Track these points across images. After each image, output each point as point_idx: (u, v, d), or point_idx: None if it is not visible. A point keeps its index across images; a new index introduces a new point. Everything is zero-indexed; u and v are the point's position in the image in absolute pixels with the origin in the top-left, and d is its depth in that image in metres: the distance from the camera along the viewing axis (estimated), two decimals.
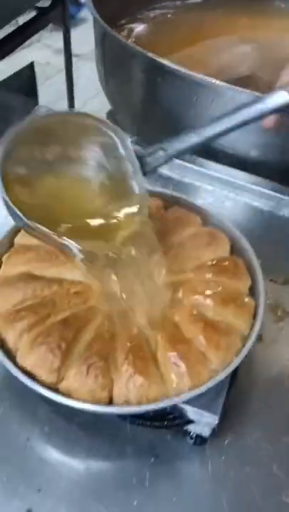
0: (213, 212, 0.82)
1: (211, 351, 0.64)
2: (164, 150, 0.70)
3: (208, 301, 0.68)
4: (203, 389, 0.62)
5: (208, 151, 1.08)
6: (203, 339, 0.65)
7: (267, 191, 1.03)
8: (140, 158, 0.68)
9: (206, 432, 0.67)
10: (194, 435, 0.69)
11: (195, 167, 1.07)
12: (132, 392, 0.62)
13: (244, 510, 0.66)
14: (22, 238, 0.78)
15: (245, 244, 0.77)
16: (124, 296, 0.67)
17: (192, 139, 0.70)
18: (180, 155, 0.72)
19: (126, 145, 0.67)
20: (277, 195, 1.03)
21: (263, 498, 0.67)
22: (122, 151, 0.67)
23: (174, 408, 0.64)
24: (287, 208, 1.02)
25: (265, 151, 1.06)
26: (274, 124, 0.83)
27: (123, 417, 0.68)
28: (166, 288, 0.72)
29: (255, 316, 0.69)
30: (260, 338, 0.80)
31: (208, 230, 0.79)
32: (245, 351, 0.65)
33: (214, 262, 0.74)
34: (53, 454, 0.70)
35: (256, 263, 0.75)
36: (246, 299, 0.70)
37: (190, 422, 0.66)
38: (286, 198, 1.02)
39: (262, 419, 0.74)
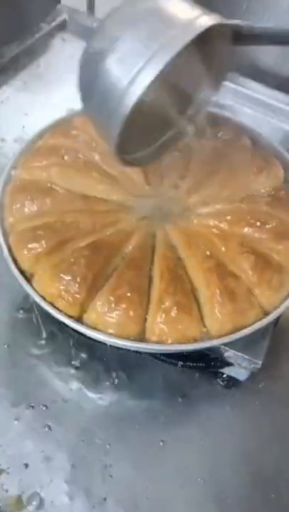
0: (264, 136, 0.69)
1: (260, 289, 0.55)
2: None
3: (260, 235, 0.58)
4: (248, 331, 0.53)
5: (249, 69, 0.94)
6: (253, 274, 0.55)
7: None
8: None
9: (242, 376, 0.60)
10: (227, 377, 0.62)
11: (234, 86, 0.92)
12: (168, 329, 0.52)
13: (276, 459, 0.59)
14: (46, 141, 0.66)
15: None
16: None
17: None
18: None
19: None
20: None
21: None
22: None
23: (213, 350, 0.56)
24: None
25: None
26: None
27: (154, 354, 0.59)
28: (211, 216, 0.61)
29: None
30: None
31: (261, 154, 0.67)
32: None
33: (268, 191, 0.62)
34: (76, 386, 0.62)
35: None
36: None
37: (228, 364, 0.58)
38: None
39: None
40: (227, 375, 0.61)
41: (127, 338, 0.52)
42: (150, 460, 0.58)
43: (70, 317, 0.54)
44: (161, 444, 0.59)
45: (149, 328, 0.53)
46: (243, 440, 0.60)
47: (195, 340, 0.53)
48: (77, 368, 0.63)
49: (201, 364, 0.58)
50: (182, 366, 0.58)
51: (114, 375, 0.62)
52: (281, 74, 0.92)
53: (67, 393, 0.61)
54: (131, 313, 0.52)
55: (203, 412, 0.62)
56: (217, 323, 0.53)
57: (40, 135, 0.68)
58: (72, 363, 0.63)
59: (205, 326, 0.54)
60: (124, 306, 0.52)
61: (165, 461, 0.58)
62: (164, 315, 0.52)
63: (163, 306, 0.53)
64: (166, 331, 0.52)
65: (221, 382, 0.62)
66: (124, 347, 0.53)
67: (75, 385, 0.62)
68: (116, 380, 0.62)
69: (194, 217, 0.62)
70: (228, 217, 0.60)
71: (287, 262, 0.57)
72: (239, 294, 0.54)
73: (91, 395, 0.61)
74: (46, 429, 0.59)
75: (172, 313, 0.52)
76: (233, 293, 0.54)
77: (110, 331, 0.53)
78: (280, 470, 0.59)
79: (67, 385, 0.62)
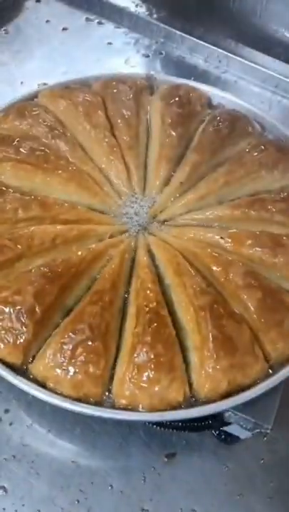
0: (275, 122, 0.55)
1: (268, 335, 0.42)
2: None
3: (272, 259, 0.44)
4: (252, 395, 0.40)
5: (259, 38, 0.78)
6: (259, 315, 0.42)
7: None
8: None
9: (245, 435, 0.46)
10: (223, 432, 0.48)
11: (238, 58, 0.76)
12: (141, 392, 0.39)
13: None
14: (2, 121, 0.52)
15: None
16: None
17: None
18: None
19: None
20: None
21: None
22: None
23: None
24: None
25: None
26: None
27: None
28: (210, 227, 0.48)
29: None
30: None
31: (275, 143, 0.53)
32: None
33: (283, 196, 0.48)
34: (36, 439, 0.48)
35: None
36: None
37: (226, 424, 0.44)
38: None
39: None
40: (224, 431, 0.48)
41: (85, 401, 0.39)
42: None
43: (10, 366, 0.40)
44: None
45: (116, 387, 0.40)
46: (245, 507, 0.47)
47: (178, 404, 0.39)
48: (32, 415, 0.49)
49: (193, 424, 0.44)
50: (166, 427, 0.44)
51: (81, 426, 0.48)
52: None
53: (20, 449, 0.47)
54: (91, 369, 0.39)
55: (194, 474, 0.48)
56: (208, 382, 0.40)
57: None
58: (29, 409, 0.49)
59: (191, 385, 0.40)
60: (81, 358, 0.39)
61: None
62: (136, 372, 0.39)
63: (136, 359, 0.39)
64: (138, 394, 0.39)
65: (217, 436, 0.48)
66: (79, 412, 0.39)
67: (30, 438, 0.48)
68: (83, 433, 0.48)
69: (188, 226, 0.48)
70: (232, 231, 0.46)
71: None
72: (240, 343, 0.40)
73: (49, 450, 0.48)
74: (1, 491, 0.46)
75: (148, 371, 0.39)
76: (232, 341, 0.40)
77: (63, 390, 0.39)
78: None
79: (21, 439, 0.48)
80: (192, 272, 0.43)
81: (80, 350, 0.39)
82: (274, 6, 0.76)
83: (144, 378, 0.39)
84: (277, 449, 0.49)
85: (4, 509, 0.45)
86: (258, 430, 0.43)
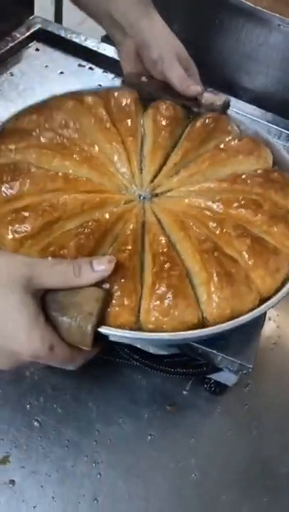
0: (252, 126, 0.64)
1: (257, 272, 0.48)
2: None
3: (255, 217, 0.51)
4: (249, 317, 0.46)
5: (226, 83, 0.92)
6: (249, 257, 0.48)
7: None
8: None
9: (230, 381, 0.53)
10: (214, 384, 0.55)
11: None
12: (163, 316, 0.45)
13: (266, 464, 0.54)
14: (18, 122, 0.58)
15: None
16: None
17: None
18: None
19: None
20: None
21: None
22: None
23: (204, 355, 0.49)
24: None
25: None
26: None
27: (142, 361, 0.53)
28: (203, 196, 0.54)
29: None
30: None
31: (250, 138, 0.61)
32: None
33: (260, 172, 0.56)
34: (64, 386, 0.56)
35: None
36: None
37: (217, 370, 0.52)
38: None
39: (286, 368, 0.61)
40: (214, 381, 0.56)
41: (121, 328, 0.44)
42: (139, 454, 0.54)
43: None
44: (149, 438, 0.55)
45: (143, 316, 0.45)
46: (233, 440, 0.56)
47: (194, 327, 0.45)
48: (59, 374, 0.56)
49: (190, 370, 0.53)
50: (171, 373, 0.52)
51: (97, 385, 0.57)
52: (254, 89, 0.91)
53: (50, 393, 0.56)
54: (126, 301, 0.44)
55: (191, 417, 0.57)
56: (214, 308, 0.46)
57: (14, 117, 0.60)
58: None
59: (202, 316, 0.46)
60: (118, 293, 0.45)
61: (154, 455, 0.54)
62: (158, 301, 0.45)
63: (157, 291, 0.45)
64: (161, 318, 0.45)
65: (208, 389, 0.57)
66: (120, 337, 0.45)
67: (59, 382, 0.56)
68: (100, 389, 0.57)
69: (185, 196, 0.55)
70: (220, 198, 0.53)
71: (283, 246, 0.51)
72: (237, 277, 0.47)
73: (75, 399, 0.56)
74: (36, 423, 0.54)
75: (167, 299, 0.45)
76: (231, 276, 0.46)
77: (104, 322, 0.45)
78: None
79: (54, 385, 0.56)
80: (194, 226, 0.50)
81: (116, 287, 0.44)
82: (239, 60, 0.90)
83: (165, 305, 0.44)
84: (256, 397, 0.58)
85: (43, 436, 0.52)
86: (242, 371, 0.49)
